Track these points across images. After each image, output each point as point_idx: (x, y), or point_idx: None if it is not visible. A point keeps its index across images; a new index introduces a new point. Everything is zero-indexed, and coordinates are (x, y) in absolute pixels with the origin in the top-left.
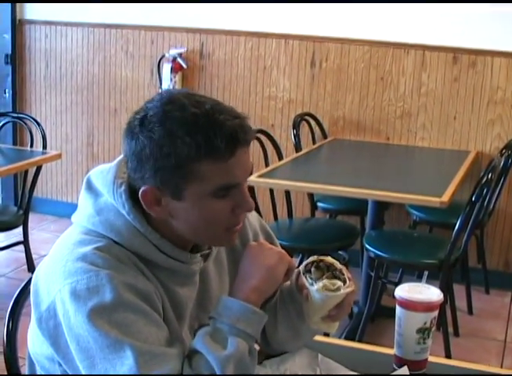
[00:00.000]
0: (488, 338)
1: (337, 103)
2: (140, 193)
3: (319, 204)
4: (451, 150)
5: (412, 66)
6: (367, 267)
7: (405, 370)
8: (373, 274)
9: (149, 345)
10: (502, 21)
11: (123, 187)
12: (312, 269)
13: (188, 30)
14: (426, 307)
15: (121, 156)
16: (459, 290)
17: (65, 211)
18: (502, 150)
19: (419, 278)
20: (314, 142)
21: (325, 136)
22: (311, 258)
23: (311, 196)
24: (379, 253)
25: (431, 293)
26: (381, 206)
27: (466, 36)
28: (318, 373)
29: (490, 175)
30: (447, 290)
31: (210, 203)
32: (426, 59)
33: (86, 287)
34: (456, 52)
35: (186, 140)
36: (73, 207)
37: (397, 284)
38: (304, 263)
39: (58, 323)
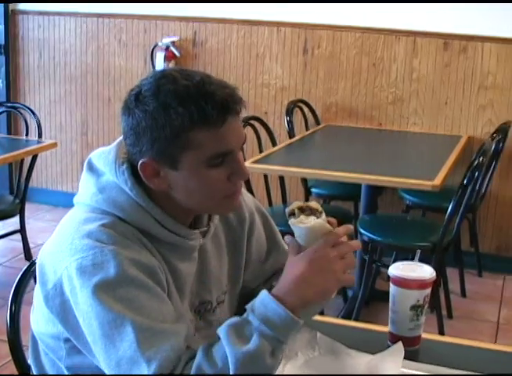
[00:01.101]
0: (481, 320)
1: (329, 89)
2: (139, 165)
3: (313, 190)
4: (443, 135)
5: (404, 53)
6: (361, 251)
7: (399, 346)
8: (367, 258)
9: (151, 321)
10: (493, 7)
11: (125, 165)
12: (296, 212)
13: (180, 19)
14: (419, 285)
15: (120, 137)
16: (452, 273)
17: (60, 200)
18: (493, 135)
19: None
20: (307, 128)
21: (318, 123)
22: (296, 203)
23: (305, 181)
24: (373, 237)
25: (424, 271)
26: (374, 191)
27: (457, 22)
28: (317, 350)
29: (481, 159)
30: (440, 273)
31: (207, 171)
32: (417, 46)
33: (92, 263)
34: (446, 38)
35: (179, 110)
36: (69, 196)
37: None
38: (290, 207)
39: (65, 300)
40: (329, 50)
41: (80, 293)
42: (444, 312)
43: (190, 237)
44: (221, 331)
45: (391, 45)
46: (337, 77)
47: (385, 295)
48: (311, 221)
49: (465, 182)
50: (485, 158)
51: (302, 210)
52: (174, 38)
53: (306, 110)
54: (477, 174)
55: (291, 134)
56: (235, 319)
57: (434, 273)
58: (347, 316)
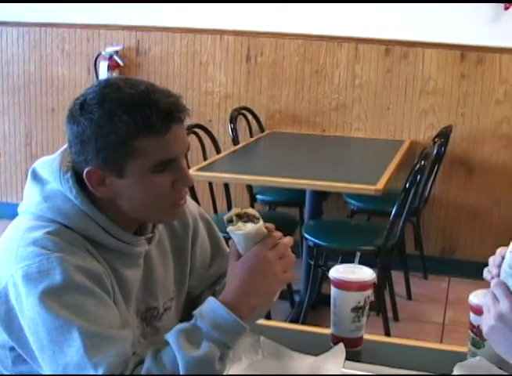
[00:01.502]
0: (426, 322)
1: (273, 96)
2: (85, 174)
3: (258, 197)
4: (386, 140)
5: (346, 59)
6: (307, 256)
7: (340, 347)
8: (312, 263)
9: (98, 327)
10: (433, 13)
11: (69, 173)
12: (234, 219)
13: (123, 28)
14: (359, 286)
15: (64, 146)
16: (397, 276)
17: (5, 211)
18: (434, 139)
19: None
20: (251, 135)
21: (262, 130)
22: (234, 210)
23: (250, 188)
24: (317, 242)
25: (364, 273)
26: (319, 196)
27: (398, 28)
28: (260, 353)
29: (423, 162)
30: (385, 276)
31: (151, 178)
32: (359, 52)
33: (37, 270)
34: (388, 44)
35: (124, 118)
36: (13, 207)
37: None
38: (228, 214)
39: (11, 308)
40: (272, 57)
41: (26, 300)
42: (390, 314)
43: (135, 244)
44: (171, 337)
45: (333, 52)
46: (280, 85)
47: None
48: (249, 227)
49: (407, 185)
50: (427, 162)
51: (240, 217)
52: (118, 47)
53: (250, 117)
54: (419, 177)
55: (235, 141)
56: (184, 324)
57: (374, 275)
58: (294, 321)
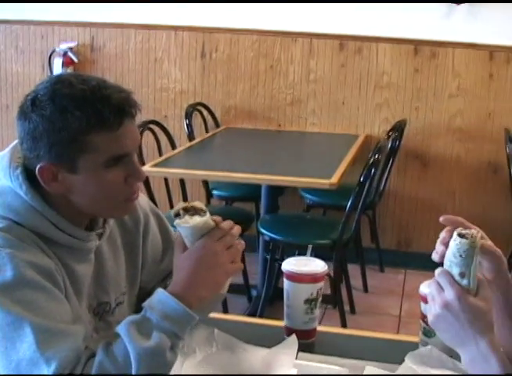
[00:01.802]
0: (383, 314)
1: (228, 92)
2: (37, 170)
3: (215, 192)
4: (341, 135)
5: (301, 54)
6: (263, 251)
7: (293, 338)
8: (268, 257)
9: (49, 322)
10: (386, 8)
11: (19, 170)
12: (181, 212)
13: (78, 25)
14: (311, 278)
15: (14, 142)
16: (354, 269)
17: None
18: (389, 133)
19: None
20: (207, 131)
21: (217, 125)
22: (181, 204)
23: (206, 184)
24: (273, 236)
25: (316, 265)
26: (275, 191)
27: (352, 23)
28: (214, 346)
29: (377, 156)
30: (342, 269)
31: (104, 173)
32: (313, 47)
33: None
34: (342, 39)
35: (76, 114)
36: None
37: None
38: (175, 208)
39: None
40: (227, 53)
41: None
42: (346, 307)
43: (86, 239)
44: (122, 329)
45: (287, 47)
46: (235, 80)
47: None
48: (196, 220)
49: (362, 179)
50: (381, 156)
51: (187, 210)
52: (72, 44)
53: (205, 113)
54: (373, 171)
55: (191, 137)
56: (134, 316)
57: (326, 267)
58: (252, 316)
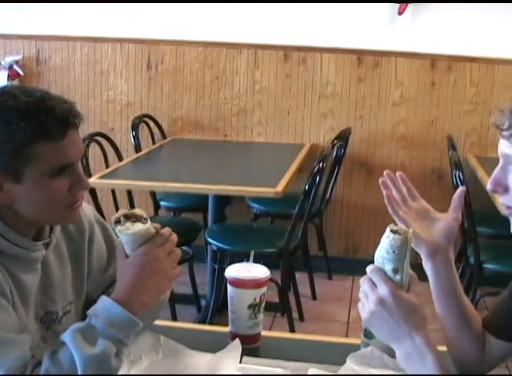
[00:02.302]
0: (331, 320)
1: (174, 103)
2: None
3: (162, 203)
4: (287, 144)
5: (246, 65)
6: (211, 260)
7: (236, 342)
8: (217, 266)
9: None
10: (330, 18)
11: None
12: (122, 219)
13: (23, 37)
14: (254, 284)
15: None
16: (302, 277)
17: None
18: (333, 141)
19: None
20: (154, 143)
21: (164, 137)
22: (121, 211)
23: (153, 195)
24: (221, 245)
25: (259, 271)
26: (222, 201)
27: (296, 34)
28: (160, 353)
29: (321, 164)
30: (289, 277)
31: (49, 182)
32: (258, 58)
33: None
34: (286, 49)
35: (21, 125)
36: None
37: None
38: (115, 215)
39: None
40: (172, 65)
41: None
42: (295, 315)
43: (33, 249)
44: (67, 337)
45: (233, 58)
46: (181, 92)
47: None
48: (138, 227)
49: (307, 187)
50: (326, 164)
51: (128, 217)
52: (18, 57)
53: (152, 124)
54: (318, 179)
55: (138, 149)
56: (79, 324)
57: (269, 272)
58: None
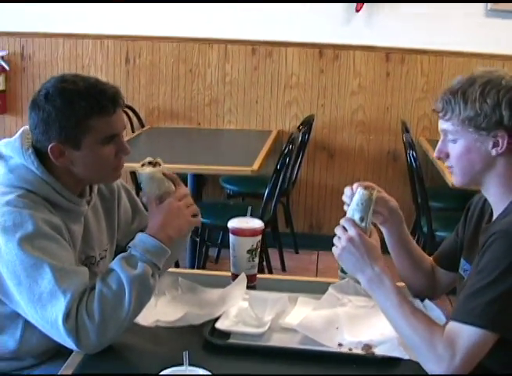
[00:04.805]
0: None
1: (151, 94)
2: (49, 149)
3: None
4: (255, 131)
5: (217, 59)
6: (192, 234)
7: (242, 276)
8: (198, 239)
9: (63, 264)
10: (294, 15)
11: (30, 150)
12: (146, 164)
13: (8, 34)
14: (252, 232)
15: (21, 129)
16: (273, 252)
17: None
18: (299, 127)
19: None
20: (133, 131)
21: (142, 125)
22: (148, 159)
23: (134, 176)
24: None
25: (255, 223)
26: (199, 181)
27: (263, 29)
28: (179, 290)
29: (291, 146)
30: (262, 252)
31: (101, 149)
32: (228, 52)
33: (13, 223)
34: (254, 44)
35: (82, 104)
36: None
37: (220, 246)
38: (142, 162)
39: None
40: (149, 59)
41: (4, 247)
42: None
43: (80, 204)
44: (115, 263)
45: (205, 53)
46: (157, 84)
47: None
48: (151, 169)
49: (278, 167)
50: (294, 146)
51: (150, 163)
52: (3, 53)
53: (131, 114)
54: (287, 160)
55: None
56: (122, 254)
57: (263, 224)
58: None
